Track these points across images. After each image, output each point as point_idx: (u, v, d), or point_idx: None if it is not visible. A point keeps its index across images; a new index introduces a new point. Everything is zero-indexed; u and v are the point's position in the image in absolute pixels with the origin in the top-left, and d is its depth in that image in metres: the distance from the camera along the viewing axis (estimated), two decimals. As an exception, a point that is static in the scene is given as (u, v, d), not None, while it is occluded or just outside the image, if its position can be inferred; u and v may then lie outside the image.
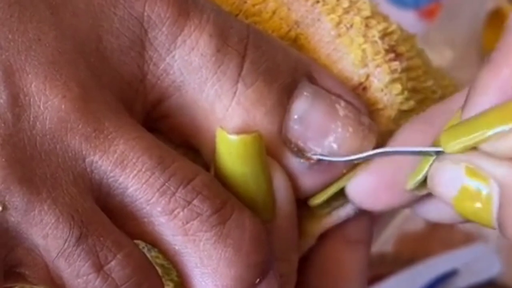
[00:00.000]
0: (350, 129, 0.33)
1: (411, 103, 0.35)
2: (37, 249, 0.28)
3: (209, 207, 0.30)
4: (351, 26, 0.34)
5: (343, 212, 0.35)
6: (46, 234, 0.28)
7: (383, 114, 0.35)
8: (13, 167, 0.28)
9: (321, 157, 0.33)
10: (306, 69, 0.33)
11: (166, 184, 0.29)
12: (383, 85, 0.34)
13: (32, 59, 0.29)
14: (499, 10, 0.77)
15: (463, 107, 0.29)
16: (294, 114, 0.32)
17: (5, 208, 0.28)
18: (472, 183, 0.28)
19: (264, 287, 0.31)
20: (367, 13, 0.35)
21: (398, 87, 0.34)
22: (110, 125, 0.29)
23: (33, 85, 0.29)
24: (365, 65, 0.34)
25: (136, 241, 0.30)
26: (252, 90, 0.32)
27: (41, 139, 0.29)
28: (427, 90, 0.36)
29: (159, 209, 0.29)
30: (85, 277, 0.28)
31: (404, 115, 0.35)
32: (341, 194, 0.34)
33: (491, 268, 0.77)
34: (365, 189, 0.33)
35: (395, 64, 0.34)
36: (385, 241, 0.77)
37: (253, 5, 0.35)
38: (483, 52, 0.83)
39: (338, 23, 0.34)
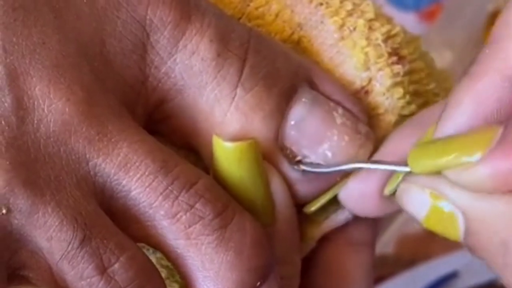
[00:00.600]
0: (346, 138, 0.33)
1: (412, 107, 0.35)
2: (41, 251, 0.29)
3: (211, 210, 0.30)
4: (354, 29, 0.34)
5: (342, 216, 0.35)
6: (50, 236, 0.28)
7: (383, 119, 0.35)
8: (17, 170, 0.28)
9: (307, 168, 0.33)
10: (307, 74, 0.33)
11: (169, 187, 0.29)
12: (385, 89, 0.34)
13: (36, 63, 0.29)
14: (499, 12, 0.77)
15: (438, 120, 0.29)
16: (291, 120, 0.32)
17: (9, 210, 0.28)
18: (439, 204, 0.29)
19: None
20: (370, 15, 0.35)
21: (400, 91, 0.34)
22: (113, 129, 0.29)
23: (37, 88, 0.29)
24: (368, 69, 0.34)
25: (140, 243, 0.30)
26: (251, 95, 0.32)
27: (45, 142, 0.29)
28: (429, 93, 0.36)
29: (162, 212, 0.30)
30: (88, 280, 0.29)
31: (404, 120, 0.35)
32: (336, 200, 0.34)
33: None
34: (355, 196, 0.33)
35: (398, 68, 0.34)
36: (385, 243, 0.77)
37: (256, 8, 0.35)
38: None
39: (341, 26, 0.34)
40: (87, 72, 0.30)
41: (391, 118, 0.35)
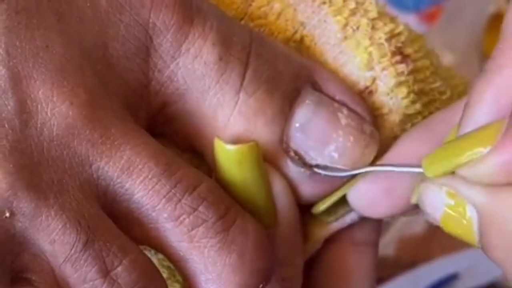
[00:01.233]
0: (352, 138, 0.33)
1: (417, 106, 0.35)
2: (44, 254, 0.29)
3: (214, 213, 0.30)
4: (358, 28, 0.34)
5: (348, 217, 0.35)
6: (53, 239, 0.28)
7: (388, 118, 0.34)
8: (20, 173, 0.28)
9: (317, 170, 0.33)
10: (310, 75, 0.33)
11: (172, 190, 0.30)
12: (389, 88, 0.34)
13: (39, 66, 0.29)
14: (500, 13, 0.77)
15: (460, 121, 0.29)
16: (296, 122, 0.32)
17: (12, 214, 0.28)
18: (455, 205, 0.29)
19: None
20: (373, 14, 0.34)
21: (404, 90, 0.34)
22: (116, 132, 0.29)
23: (40, 92, 0.29)
24: (371, 68, 0.34)
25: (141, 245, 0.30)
26: (254, 99, 0.32)
27: (48, 145, 0.29)
28: (435, 92, 0.36)
29: (165, 215, 0.30)
30: (91, 283, 0.29)
31: (409, 119, 0.35)
32: (344, 201, 0.34)
33: (492, 272, 0.77)
34: (365, 197, 0.33)
35: (402, 67, 0.34)
36: (386, 245, 0.77)
37: (258, 8, 0.34)
38: (483, 55, 0.83)
39: (345, 25, 0.34)
40: (90, 75, 0.30)
41: (395, 117, 0.34)
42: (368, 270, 0.36)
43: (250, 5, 0.34)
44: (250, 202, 0.32)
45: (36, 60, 0.29)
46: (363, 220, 0.35)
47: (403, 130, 0.35)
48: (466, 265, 0.77)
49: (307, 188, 0.33)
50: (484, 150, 0.27)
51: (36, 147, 0.29)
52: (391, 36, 0.34)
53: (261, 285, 0.31)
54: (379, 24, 0.34)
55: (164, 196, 0.29)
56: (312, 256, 0.36)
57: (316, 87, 0.33)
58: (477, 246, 0.29)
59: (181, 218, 0.30)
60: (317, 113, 0.33)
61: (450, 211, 0.29)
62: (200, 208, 0.30)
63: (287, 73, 0.33)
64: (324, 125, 0.32)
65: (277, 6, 0.34)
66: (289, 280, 0.33)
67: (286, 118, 0.32)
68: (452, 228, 0.29)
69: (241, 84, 0.32)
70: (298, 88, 0.33)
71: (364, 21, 0.34)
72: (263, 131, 0.32)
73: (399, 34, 0.35)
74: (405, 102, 0.34)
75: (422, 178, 0.30)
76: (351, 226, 0.35)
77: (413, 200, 0.31)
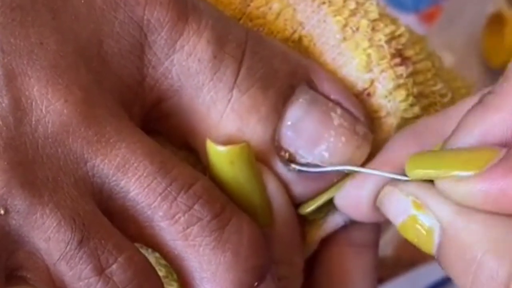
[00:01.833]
0: (343, 139, 0.33)
1: (416, 109, 0.34)
2: (39, 252, 0.29)
3: (209, 212, 0.30)
4: (357, 29, 0.34)
5: (340, 218, 0.34)
6: (48, 237, 0.28)
7: (385, 121, 0.34)
8: (15, 171, 0.28)
9: (299, 168, 0.33)
10: (306, 73, 0.33)
11: (168, 189, 0.29)
12: (387, 91, 0.34)
13: (34, 63, 0.29)
14: (499, 14, 0.77)
15: (447, 140, 0.30)
16: (288, 120, 0.32)
17: (7, 211, 0.28)
18: (418, 215, 0.29)
19: None
20: (374, 15, 0.34)
21: (402, 93, 0.34)
22: (111, 129, 0.29)
23: (35, 89, 0.29)
24: (370, 70, 0.34)
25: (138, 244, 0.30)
26: (247, 96, 0.32)
27: (43, 143, 0.29)
28: (435, 94, 0.36)
29: (160, 213, 0.30)
30: (86, 280, 0.29)
31: (407, 122, 0.34)
32: (330, 204, 0.34)
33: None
34: (350, 201, 0.33)
35: (401, 69, 0.34)
36: (385, 245, 0.77)
37: (257, 8, 0.34)
38: (483, 56, 0.83)
39: (344, 26, 0.34)
40: (84, 72, 0.30)
41: (393, 120, 0.34)
42: (367, 271, 0.36)
43: (249, 5, 0.34)
44: (245, 201, 0.32)
45: (31, 57, 0.29)
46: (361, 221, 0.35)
47: None
48: (465, 265, 0.77)
49: (298, 187, 0.33)
50: (471, 171, 0.28)
51: (31, 144, 0.29)
52: (391, 38, 0.34)
53: (256, 283, 0.31)
54: (380, 25, 0.34)
55: (160, 194, 0.29)
56: (311, 256, 0.36)
57: (312, 86, 0.33)
58: (433, 256, 0.29)
59: (176, 217, 0.30)
60: (310, 112, 0.32)
61: (411, 221, 0.29)
62: (195, 207, 0.30)
63: (282, 71, 0.33)
64: (316, 124, 0.32)
65: (276, 6, 0.34)
66: (287, 279, 0.33)
67: (279, 116, 0.32)
68: (410, 235, 0.30)
69: (235, 81, 0.32)
70: (293, 86, 0.33)
71: (364, 22, 0.34)
72: (255, 128, 0.32)
73: (399, 36, 0.35)
74: (404, 105, 0.34)
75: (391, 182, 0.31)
76: (349, 227, 0.35)
77: (377, 203, 0.31)
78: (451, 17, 0.86)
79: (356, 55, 0.34)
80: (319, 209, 0.34)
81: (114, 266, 0.29)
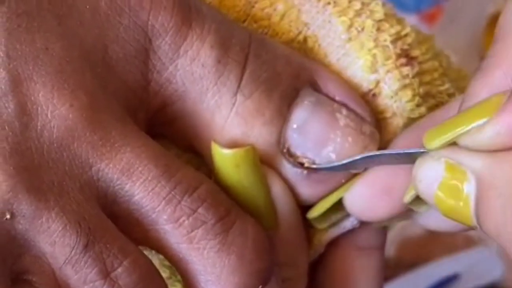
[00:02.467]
0: (350, 139, 0.33)
1: (422, 109, 0.34)
2: (44, 256, 0.29)
3: (213, 215, 0.30)
4: (362, 29, 0.34)
5: (348, 223, 0.34)
6: (54, 241, 0.28)
7: (391, 122, 0.34)
8: (21, 175, 0.28)
9: (310, 166, 0.32)
10: (310, 76, 0.33)
11: (172, 192, 0.30)
12: (393, 91, 0.34)
13: (39, 69, 0.29)
14: (500, 14, 0.77)
15: (458, 112, 0.30)
16: (294, 123, 0.32)
17: (13, 216, 0.28)
18: (452, 180, 0.29)
19: None
20: (379, 15, 0.34)
21: (408, 93, 0.34)
22: (116, 134, 0.30)
23: (40, 94, 0.29)
24: (375, 71, 0.34)
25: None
26: (251, 100, 0.32)
27: (49, 148, 0.29)
28: (443, 94, 0.35)
29: (165, 217, 0.30)
30: (91, 284, 0.29)
31: (413, 123, 0.34)
32: (338, 207, 0.33)
33: (493, 272, 0.77)
34: (361, 198, 0.33)
35: (407, 69, 0.34)
36: (386, 246, 0.77)
37: (262, 9, 0.34)
38: (484, 55, 0.83)
39: (350, 26, 0.34)
40: (90, 77, 0.30)
41: (399, 121, 0.34)
42: (373, 274, 0.36)
43: (253, 7, 0.34)
44: (250, 204, 0.32)
45: (36, 62, 0.29)
46: (367, 224, 0.35)
47: None
48: (466, 266, 0.77)
49: (305, 189, 0.33)
50: (485, 120, 0.27)
51: (37, 149, 0.29)
52: (397, 38, 0.34)
53: (260, 286, 0.31)
54: (385, 25, 0.34)
55: (164, 198, 0.30)
56: (316, 259, 0.36)
57: (317, 88, 0.33)
58: (470, 224, 0.29)
59: (181, 220, 0.30)
60: (315, 113, 0.33)
61: (446, 186, 0.29)
62: (200, 210, 0.30)
63: (286, 74, 0.33)
64: (321, 125, 0.32)
65: (280, 7, 0.34)
66: (291, 281, 0.33)
67: (284, 119, 0.32)
68: (446, 205, 0.29)
69: (239, 86, 0.32)
70: (297, 88, 0.33)
71: (369, 22, 0.34)
72: (260, 132, 0.32)
73: (405, 36, 0.34)
74: (410, 105, 0.34)
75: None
76: (355, 229, 0.35)
77: (406, 199, 0.31)
78: (452, 17, 0.87)
79: (361, 56, 0.34)
80: (327, 214, 0.34)
81: (119, 270, 0.29)
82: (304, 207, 0.34)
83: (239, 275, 0.30)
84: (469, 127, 0.28)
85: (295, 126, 0.32)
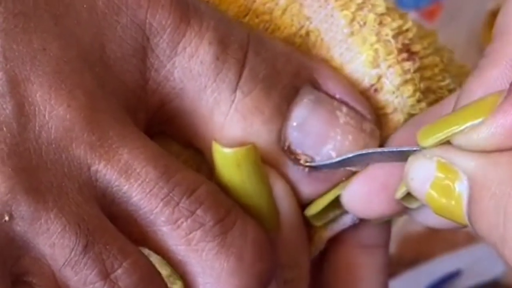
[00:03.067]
0: (350, 137, 0.32)
1: (423, 105, 0.34)
2: (44, 258, 0.29)
3: (212, 217, 0.30)
4: (365, 23, 0.34)
5: (348, 218, 0.34)
6: (53, 243, 0.28)
7: (392, 118, 0.34)
8: (19, 177, 0.28)
9: (305, 164, 0.32)
10: (310, 74, 0.33)
11: (170, 194, 0.29)
12: (395, 87, 0.34)
13: (37, 69, 0.29)
14: (499, 10, 0.77)
15: (453, 109, 0.30)
16: (294, 121, 0.32)
17: (11, 217, 0.28)
18: (443, 179, 0.29)
19: None
20: (381, 9, 0.34)
21: (409, 88, 0.34)
22: (114, 134, 0.29)
23: (38, 95, 0.29)
24: (377, 66, 0.33)
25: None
26: (250, 98, 0.32)
27: (47, 148, 0.29)
28: (443, 89, 0.35)
29: (162, 219, 0.30)
30: (91, 286, 0.29)
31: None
32: (335, 205, 0.33)
33: (495, 269, 0.77)
34: (358, 196, 0.33)
35: (408, 64, 0.34)
36: (388, 243, 0.77)
37: (263, 4, 0.34)
38: (483, 52, 0.83)
39: (352, 20, 0.34)
40: (88, 77, 0.30)
41: (400, 117, 0.34)
42: (377, 272, 0.36)
43: (255, 1, 0.34)
44: (251, 204, 0.32)
45: (34, 63, 0.29)
46: (367, 220, 0.35)
47: None
48: (468, 263, 0.77)
49: (306, 187, 0.33)
50: (480, 120, 0.27)
51: (35, 150, 0.29)
52: (399, 32, 0.34)
53: None
54: (387, 19, 0.34)
55: (162, 200, 0.29)
56: (320, 257, 0.36)
57: (316, 86, 0.33)
58: (463, 223, 0.29)
59: (179, 222, 0.30)
60: (315, 111, 0.32)
61: (438, 185, 0.29)
62: (198, 212, 0.30)
63: (285, 72, 0.33)
64: (321, 123, 0.32)
65: (282, 1, 0.34)
66: (294, 282, 0.33)
67: (283, 117, 0.32)
68: (438, 204, 0.29)
69: (238, 83, 0.32)
70: (297, 87, 0.33)
71: (371, 16, 0.34)
72: (260, 130, 0.32)
73: (407, 30, 0.34)
74: (411, 100, 0.34)
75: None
76: (358, 227, 0.35)
77: (398, 195, 0.31)
78: (451, 14, 0.87)
79: (364, 51, 0.34)
80: (325, 211, 0.34)
81: (119, 271, 0.29)
82: (302, 205, 0.34)
83: (239, 277, 0.30)
84: (463, 126, 0.28)
85: (295, 124, 0.32)
